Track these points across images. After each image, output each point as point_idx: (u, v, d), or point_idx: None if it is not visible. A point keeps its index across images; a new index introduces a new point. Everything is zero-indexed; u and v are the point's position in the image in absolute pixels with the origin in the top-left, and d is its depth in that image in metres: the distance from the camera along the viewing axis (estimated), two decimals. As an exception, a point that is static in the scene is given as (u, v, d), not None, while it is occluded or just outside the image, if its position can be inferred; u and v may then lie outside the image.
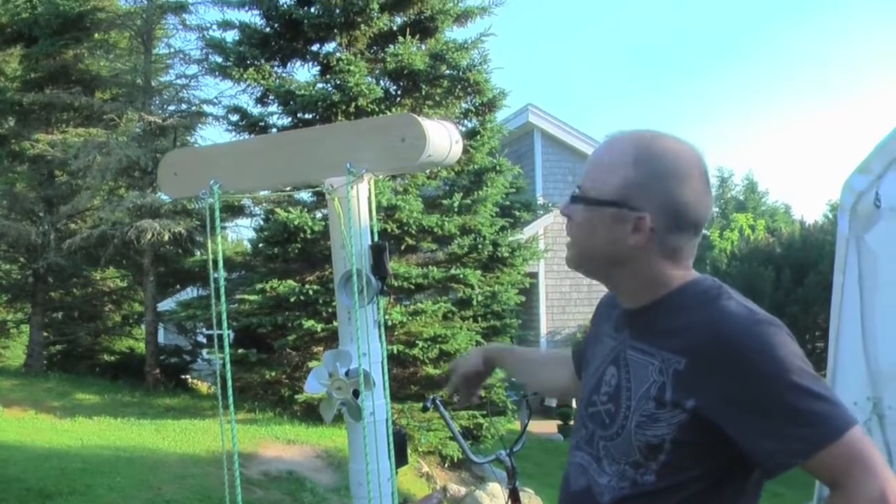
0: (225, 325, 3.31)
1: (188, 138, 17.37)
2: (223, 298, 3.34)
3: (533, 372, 3.12)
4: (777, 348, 1.92)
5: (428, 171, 13.32)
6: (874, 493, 1.82)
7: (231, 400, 3.31)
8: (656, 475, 2.04)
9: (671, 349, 2.03)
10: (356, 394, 3.25)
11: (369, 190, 3.40)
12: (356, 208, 3.25)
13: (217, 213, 3.31)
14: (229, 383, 3.30)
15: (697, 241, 2.17)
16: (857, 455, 1.86)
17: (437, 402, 5.48)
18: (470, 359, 3.22)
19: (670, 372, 2.01)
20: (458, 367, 3.25)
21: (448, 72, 13.58)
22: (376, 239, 3.41)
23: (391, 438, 3.45)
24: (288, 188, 3.63)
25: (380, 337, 3.44)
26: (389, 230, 12.02)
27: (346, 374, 3.23)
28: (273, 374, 13.11)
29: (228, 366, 3.28)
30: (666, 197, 2.07)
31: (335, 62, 13.22)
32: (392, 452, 3.44)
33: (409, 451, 4.00)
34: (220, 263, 3.54)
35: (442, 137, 3.15)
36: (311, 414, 12.43)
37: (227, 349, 3.28)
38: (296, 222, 12.21)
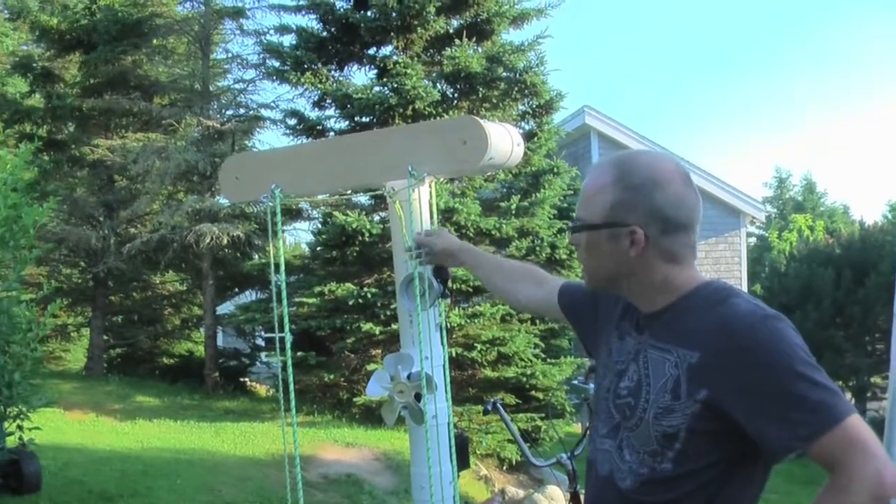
0: (287, 327, 3.31)
1: (246, 142, 17.42)
2: (284, 301, 3.35)
3: (493, 273, 3.20)
4: (783, 340, 2.08)
5: (487, 174, 13.30)
6: (871, 472, 1.96)
7: (293, 402, 3.32)
8: (673, 463, 2.18)
9: (685, 345, 2.19)
10: (418, 397, 3.24)
11: (430, 192, 3.39)
12: (417, 211, 3.25)
13: (279, 217, 3.31)
14: (291, 386, 3.30)
15: (692, 240, 2.31)
16: (855, 439, 1.99)
17: (498, 404, 5.47)
18: (447, 243, 3.26)
19: (685, 366, 2.17)
20: (437, 245, 3.27)
21: (505, 74, 13.56)
22: (437, 242, 3.40)
23: (453, 442, 3.45)
24: (348, 191, 3.60)
25: (441, 340, 3.43)
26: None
27: (408, 377, 3.22)
28: (332, 376, 13.14)
29: (290, 368, 3.29)
30: (649, 206, 2.24)
31: (392, 65, 13.24)
32: (454, 456, 3.44)
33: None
34: (283, 266, 3.54)
35: (503, 140, 3.14)
36: (369, 416, 12.45)
37: (288, 351, 3.28)
38: (354, 225, 12.23)
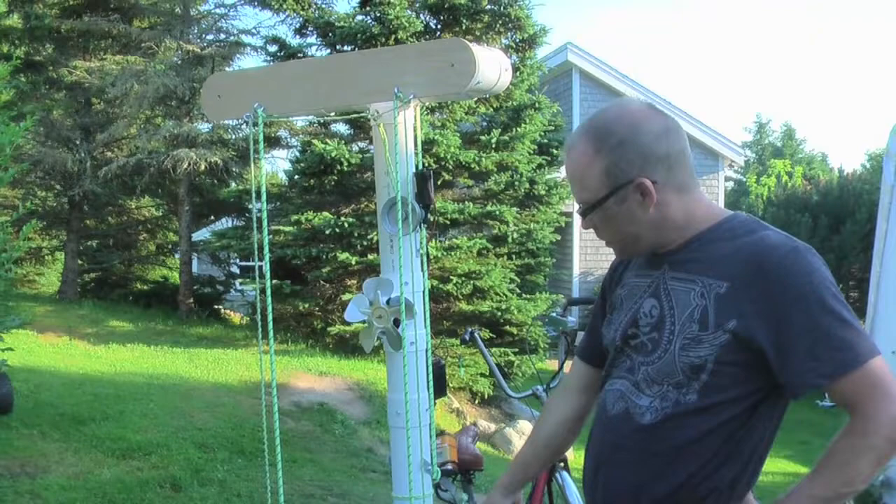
0: (267, 254, 3.27)
1: (226, 68, 17.15)
2: (265, 225, 3.30)
3: (546, 448, 2.82)
4: (814, 274, 2.08)
5: (466, 106, 13.21)
6: (889, 417, 1.98)
7: (270, 330, 3.28)
8: (698, 395, 2.16)
9: (713, 275, 2.18)
10: (397, 323, 3.21)
11: (415, 117, 3.34)
12: (402, 135, 3.20)
13: (261, 136, 3.26)
14: (269, 313, 3.27)
15: (691, 164, 2.30)
16: (877, 382, 2.00)
17: (476, 334, 5.46)
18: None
19: (712, 296, 2.16)
20: None
21: (489, 6, 13.44)
22: (420, 168, 3.36)
23: (430, 368, 3.43)
24: (331, 113, 3.53)
25: (422, 267, 3.40)
26: (426, 164, 11.93)
27: (388, 302, 3.19)
28: (306, 305, 13.13)
29: (269, 295, 3.25)
30: (641, 153, 2.22)
31: (375, -6, 13.08)
32: (431, 383, 3.42)
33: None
34: (263, 189, 3.49)
35: (491, 64, 3.10)
36: (342, 346, 12.46)
37: (268, 278, 3.24)
38: (333, 154, 12.15)
